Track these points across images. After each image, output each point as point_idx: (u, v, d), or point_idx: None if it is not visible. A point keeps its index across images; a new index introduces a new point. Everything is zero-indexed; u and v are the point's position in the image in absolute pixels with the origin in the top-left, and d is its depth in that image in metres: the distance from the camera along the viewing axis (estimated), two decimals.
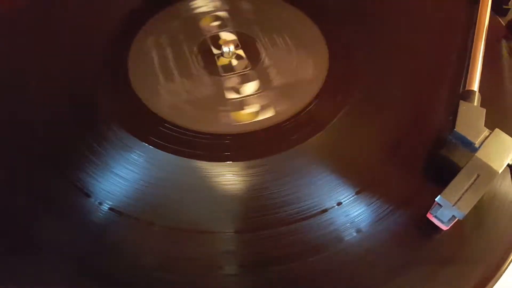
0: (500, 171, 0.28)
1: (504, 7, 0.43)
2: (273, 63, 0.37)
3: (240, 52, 0.38)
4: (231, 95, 0.35)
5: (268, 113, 0.34)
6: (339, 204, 0.30)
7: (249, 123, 0.34)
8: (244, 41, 0.38)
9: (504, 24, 0.41)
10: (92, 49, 0.38)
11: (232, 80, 0.36)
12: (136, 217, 0.30)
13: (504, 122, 0.32)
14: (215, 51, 0.38)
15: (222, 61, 0.37)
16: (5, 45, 0.39)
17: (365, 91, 0.35)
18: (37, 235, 0.30)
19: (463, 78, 0.35)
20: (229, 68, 0.37)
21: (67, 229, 0.30)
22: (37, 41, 0.39)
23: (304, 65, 0.37)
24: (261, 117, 0.34)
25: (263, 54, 0.38)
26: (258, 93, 0.35)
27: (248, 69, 0.37)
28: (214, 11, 0.40)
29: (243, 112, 0.34)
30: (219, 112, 0.34)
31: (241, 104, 0.35)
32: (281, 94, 0.35)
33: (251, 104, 0.35)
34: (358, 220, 0.30)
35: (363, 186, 0.31)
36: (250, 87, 0.36)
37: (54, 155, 0.33)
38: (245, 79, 0.36)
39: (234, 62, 0.37)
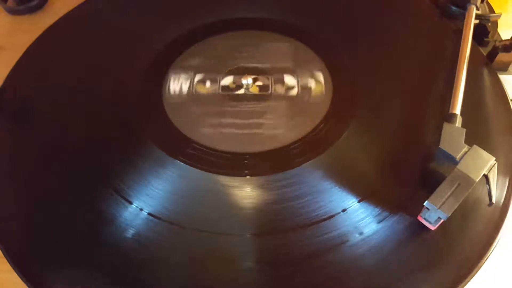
0: (477, 180, 0.31)
1: (485, 39, 0.45)
2: (284, 92, 0.40)
3: (256, 85, 0.40)
4: (250, 120, 0.38)
5: (281, 135, 0.37)
6: (344, 210, 0.33)
7: (265, 143, 0.36)
8: (259, 75, 0.41)
9: (484, 54, 0.44)
10: (133, 79, 0.41)
11: (250, 107, 0.39)
12: (170, 221, 0.33)
13: (481, 140, 0.35)
14: (236, 83, 0.40)
15: (242, 92, 0.40)
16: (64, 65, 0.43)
17: (365, 114, 0.38)
18: (85, 237, 0.33)
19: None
20: (247, 97, 0.40)
21: (112, 231, 0.33)
22: (89, 68, 0.42)
23: (311, 93, 0.39)
24: (275, 138, 0.37)
25: (275, 86, 0.40)
26: (272, 118, 0.38)
27: (263, 99, 0.39)
28: (236, 47, 0.43)
29: (260, 133, 0.37)
30: (239, 134, 0.37)
31: (257, 127, 0.37)
32: (292, 118, 0.38)
33: (266, 127, 0.37)
34: (361, 224, 0.33)
35: (365, 195, 0.34)
36: (265, 113, 0.38)
37: (102, 169, 0.36)
38: (261, 107, 0.39)
39: (252, 93, 0.40)
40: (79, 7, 0.48)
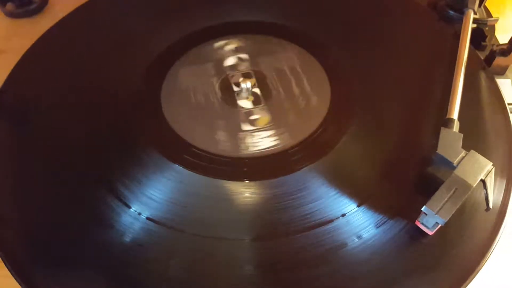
0: (474, 185, 0.31)
1: (483, 43, 0.46)
2: (283, 97, 0.40)
3: (256, 89, 0.40)
4: (248, 125, 0.38)
5: (280, 140, 0.37)
6: (343, 215, 0.33)
7: (264, 148, 0.36)
8: (258, 79, 0.41)
9: (482, 58, 0.44)
10: (131, 83, 0.41)
11: (249, 112, 0.39)
12: (169, 225, 0.33)
13: (478, 144, 0.36)
14: (235, 88, 0.41)
15: (241, 96, 0.40)
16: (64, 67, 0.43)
17: (363, 119, 0.38)
18: (83, 241, 0.33)
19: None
20: (246, 101, 0.40)
21: (111, 235, 0.32)
22: (87, 71, 0.42)
23: (310, 98, 0.40)
24: (274, 143, 0.37)
25: (274, 90, 0.40)
26: (270, 124, 0.38)
27: (261, 103, 0.40)
28: (236, 51, 0.44)
29: (259, 137, 0.37)
30: (238, 138, 0.37)
31: (256, 131, 0.38)
32: (291, 123, 0.38)
33: (265, 132, 0.38)
34: (359, 228, 0.33)
35: (364, 199, 0.34)
36: (263, 118, 0.39)
37: (101, 173, 0.36)
38: (260, 111, 0.39)
39: (251, 97, 0.40)
40: (77, 10, 0.48)
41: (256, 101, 0.40)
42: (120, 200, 0.34)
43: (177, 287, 0.31)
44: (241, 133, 0.38)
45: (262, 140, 0.37)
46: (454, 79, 0.39)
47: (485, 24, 0.46)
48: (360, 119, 0.38)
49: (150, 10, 0.48)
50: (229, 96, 0.40)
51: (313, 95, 0.40)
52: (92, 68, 0.43)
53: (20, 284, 0.31)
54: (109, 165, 0.36)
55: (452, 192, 0.31)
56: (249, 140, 0.37)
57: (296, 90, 0.41)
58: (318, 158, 0.35)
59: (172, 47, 0.44)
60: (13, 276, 0.32)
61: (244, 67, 0.42)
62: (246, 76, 0.42)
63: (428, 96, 0.40)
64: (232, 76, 0.42)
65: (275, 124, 0.38)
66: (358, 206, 0.34)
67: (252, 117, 0.39)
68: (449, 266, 0.32)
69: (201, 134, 0.38)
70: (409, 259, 0.32)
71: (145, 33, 0.45)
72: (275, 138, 0.37)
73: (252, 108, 0.40)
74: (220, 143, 0.37)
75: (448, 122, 0.35)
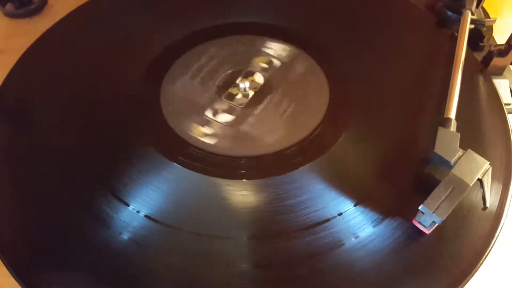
0: (471, 184, 0.31)
1: (480, 44, 0.46)
2: (282, 97, 0.40)
3: (253, 89, 0.40)
4: (247, 124, 0.38)
5: (278, 138, 0.37)
6: (340, 214, 0.33)
7: (262, 147, 0.37)
8: (257, 79, 0.41)
9: (479, 59, 0.44)
10: (130, 83, 0.41)
11: (247, 111, 0.39)
12: (167, 223, 0.33)
13: (476, 144, 0.36)
14: (234, 87, 0.40)
15: (239, 95, 0.40)
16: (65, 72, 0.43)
17: (361, 119, 0.38)
18: (82, 239, 0.33)
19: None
20: (244, 101, 0.40)
21: (109, 233, 0.33)
22: (86, 71, 0.42)
23: (308, 98, 0.40)
24: (272, 141, 0.37)
25: (273, 90, 0.40)
26: (269, 122, 0.38)
27: (262, 103, 0.40)
28: (234, 51, 0.43)
29: (257, 136, 0.37)
30: (236, 137, 0.37)
31: (254, 131, 0.38)
32: (289, 123, 0.38)
33: (263, 131, 0.38)
34: (356, 228, 0.33)
35: (361, 199, 0.34)
36: (262, 117, 0.39)
37: (100, 171, 0.36)
38: (258, 111, 0.39)
39: (249, 97, 0.40)
40: (76, 10, 0.48)
41: (254, 100, 0.40)
42: (119, 199, 0.34)
43: (175, 284, 0.31)
44: (239, 132, 0.38)
45: (260, 139, 0.37)
46: (451, 79, 0.39)
47: (483, 25, 0.46)
48: (358, 119, 0.38)
49: (150, 10, 0.48)
50: (228, 95, 0.40)
51: (311, 95, 0.40)
52: (91, 68, 0.43)
53: (19, 283, 0.31)
54: (108, 164, 0.36)
55: (449, 191, 0.31)
56: (247, 139, 0.38)
57: (295, 90, 0.41)
58: (315, 158, 0.36)
59: (172, 47, 0.44)
60: (12, 276, 0.32)
61: (243, 67, 0.42)
62: (245, 76, 0.42)
63: (425, 96, 0.41)
64: (231, 76, 0.42)
65: (273, 123, 0.38)
66: (355, 205, 0.34)
67: (250, 116, 0.39)
68: (446, 266, 0.32)
69: (182, 119, 0.38)
70: (406, 258, 0.32)
71: (144, 33, 0.45)
72: (273, 137, 0.37)
73: (251, 107, 0.40)
74: (218, 141, 0.37)
75: (446, 122, 0.35)
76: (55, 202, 0.35)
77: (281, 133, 0.38)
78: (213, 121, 0.39)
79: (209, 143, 0.37)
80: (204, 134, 0.38)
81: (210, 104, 0.40)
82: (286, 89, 0.41)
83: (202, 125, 0.38)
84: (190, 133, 0.38)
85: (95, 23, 0.47)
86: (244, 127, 0.38)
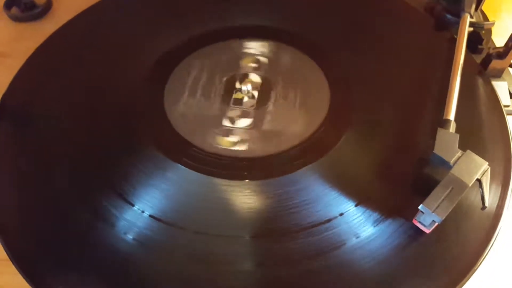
0: (470, 185, 0.31)
1: (479, 46, 0.46)
2: (283, 98, 0.40)
3: (255, 91, 0.41)
4: (249, 125, 0.39)
5: (280, 140, 0.37)
6: (341, 214, 0.34)
7: (264, 148, 0.37)
8: (258, 81, 0.41)
9: (478, 62, 0.45)
10: (135, 85, 0.41)
11: (249, 113, 0.39)
12: (171, 223, 0.34)
13: (475, 145, 0.36)
14: (236, 90, 0.41)
15: (241, 97, 0.40)
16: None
17: (362, 120, 0.38)
18: (88, 238, 0.34)
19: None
20: (246, 103, 0.40)
21: (114, 233, 0.33)
22: (91, 74, 0.43)
23: (309, 100, 0.40)
24: (274, 143, 0.37)
25: (273, 92, 0.41)
26: (270, 124, 0.38)
27: (264, 105, 0.40)
28: (237, 54, 0.44)
29: (259, 138, 0.38)
30: (238, 139, 0.38)
31: (256, 132, 0.38)
32: (290, 124, 0.38)
33: (265, 132, 0.38)
34: (357, 228, 0.33)
35: (361, 199, 0.34)
36: (264, 119, 0.39)
37: (105, 172, 0.36)
38: (260, 113, 0.39)
39: (251, 99, 0.40)
40: (80, 14, 0.49)
41: (256, 102, 0.40)
42: (124, 199, 0.35)
43: (178, 283, 0.32)
44: (241, 133, 0.38)
45: (262, 140, 0.38)
46: (450, 81, 0.39)
47: (482, 28, 0.46)
48: (358, 120, 0.39)
49: (153, 13, 0.49)
50: (230, 97, 0.41)
51: (312, 97, 0.41)
52: (95, 71, 0.43)
53: (26, 281, 0.32)
54: (112, 165, 0.37)
55: (448, 191, 0.31)
56: (249, 140, 0.38)
57: (296, 92, 0.41)
58: (317, 158, 0.36)
59: (175, 49, 0.44)
60: (20, 273, 0.32)
61: (244, 69, 0.43)
62: (247, 78, 0.42)
63: (425, 97, 0.41)
64: (233, 78, 0.42)
65: (275, 125, 0.39)
66: (356, 205, 0.34)
67: (253, 118, 0.39)
68: (446, 265, 0.33)
69: (202, 134, 0.38)
70: (406, 257, 0.33)
71: (148, 35, 0.46)
72: (275, 138, 0.38)
73: (253, 109, 0.40)
74: (221, 143, 0.38)
75: (445, 123, 0.36)
76: (61, 202, 0.36)
77: (283, 134, 0.38)
78: (234, 128, 0.39)
79: (212, 144, 0.37)
80: (233, 143, 0.38)
81: (223, 114, 0.40)
82: (287, 92, 0.41)
83: (227, 136, 0.38)
84: (220, 146, 0.37)
85: (99, 27, 0.48)
86: (247, 129, 0.39)
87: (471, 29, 0.45)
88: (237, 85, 0.41)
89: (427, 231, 0.32)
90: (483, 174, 0.33)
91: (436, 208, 0.31)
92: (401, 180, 0.36)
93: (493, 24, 0.47)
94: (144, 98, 0.41)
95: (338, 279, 0.32)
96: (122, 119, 0.40)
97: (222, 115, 0.40)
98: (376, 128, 0.39)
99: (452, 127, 0.35)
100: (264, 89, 0.41)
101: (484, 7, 0.50)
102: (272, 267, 0.33)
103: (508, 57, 0.43)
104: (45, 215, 0.35)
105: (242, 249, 0.33)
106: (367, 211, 0.34)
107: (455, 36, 0.44)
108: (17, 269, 0.32)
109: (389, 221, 0.34)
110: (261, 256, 0.33)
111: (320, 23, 0.47)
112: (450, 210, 0.31)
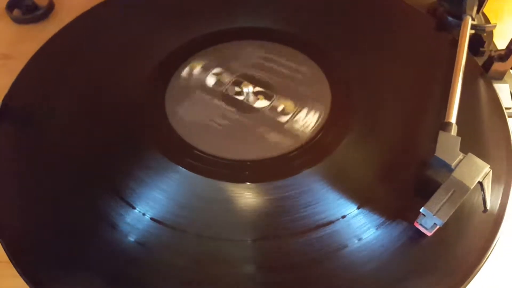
0: (472, 187, 0.31)
1: (481, 49, 0.46)
2: (284, 101, 0.40)
3: (257, 93, 0.41)
4: (251, 128, 0.39)
5: (282, 142, 0.37)
6: (343, 217, 0.34)
7: (265, 151, 0.37)
8: (260, 83, 0.41)
9: (480, 64, 0.44)
10: (137, 87, 0.41)
11: (251, 115, 0.40)
12: (172, 226, 0.34)
13: (476, 147, 0.36)
14: (239, 93, 0.41)
15: (243, 100, 0.41)
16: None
17: (363, 123, 0.39)
18: (89, 241, 0.34)
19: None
20: (248, 106, 0.40)
21: (115, 235, 0.33)
22: (93, 75, 0.43)
23: (310, 102, 0.40)
24: (276, 145, 0.37)
25: (274, 94, 0.41)
26: (272, 126, 0.38)
27: (264, 107, 0.40)
28: (238, 55, 0.44)
29: (260, 140, 0.38)
30: (240, 141, 0.38)
31: (258, 135, 0.38)
32: (292, 126, 0.38)
33: (267, 135, 0.38)
34: (359, 230, 0.33)
35: (363, 202, 0.34)
36: (266, 121, 0.39)
37: (106, 174, 0.36)
38: (262, 115, 0.39)
39: (253, 101, 0.40)
40: (82, 15, 0.49)
41: (258, 105, 0.40)
42: (125, 201, 0.35)
43: (180, 286, 0.32)
44: (243, 135, 0.38)
45: (264, 143, 0.38)
46: (452, 84, 0.39)
47: (483, 30, 0.46)
48: (360, 123, 0.39)
49: (155, 15, 0.49)
50: (232, 99, 0.41)
51: (313, 98, 0.41)
52: (97, 73, 0.43)
53: (27, 283, 0.32)
54: (114, 167, 0.37)
55: (450, 194, 0.31)
56: (251, 143, 0.38)
57: (297, 94, 0.41)
58: (318, 161, 0.36)
59: (177, 51, 0.44)
60: (21, 276, 0.32)
61: (247, 71, 0.43)
62: (249, 80, 0.42)
63: (427, 100, 0.41)
64: (235, 80, 0.42)
65: (277, 127, 0.39)
66: (358, 208, 0.34)
67: (254, 121, 0.39)
68: (448, 268, 0.33)
69: (204, 137, 0.38)
70: (408, 260, 0.33)
71: (150, 37, 0.46)
72: (277, 141, 0.38)
73: (254, 112, 0.40)
74: (222, 145, 0.38)
75: (446, 126, 0.36)
76: (62, 205, 0.36)
77: (285, 137, 0.38)
78: (217, 124, 0.39)
79: (214, 147, 0.37)
80: (209, 138, 0.38)
81: (215, 108, 0.40)
82: (288, 93, 0.41)
83: (208, 129, 0.39)
84: (221, 148, 0.37)
85: (101, 28, 0.48)
86: (248, 131, 0.39)
87: (473, 31, 0.45)
88: (239, 86, 0.42)
89: (429, 234, 0.32)
90: (485, 177, 0.33)
91: (438, 211, 0.31)
92: (402, 183, 0.36)
93: (494, 26, 0.47)
94: (146, 100, 0.41)
95: (340, 282, 0.32)
96: (124, 121, 0.40)
97: (224, 116, 0.40)
98: (377, 131, 0.39)
99: (454, 129, 0.35)
100: (266, 91, 0.41)
101: (486, 9, 0.49)
102: (274, 270, 0.33)
103: (510, 59, 0.43)
104: (46, 217, 0.35)
105: (243, 251, 0.33)
106: (369, 213, 0.34)
107: (457, 39, 0.44)
108: (17, 271, 0.32)
109: (390, 224, 0.34)
110: (262, 259, 0.33)
111: (320, 24, 0.47)
112: (451, 213, 0.31)
